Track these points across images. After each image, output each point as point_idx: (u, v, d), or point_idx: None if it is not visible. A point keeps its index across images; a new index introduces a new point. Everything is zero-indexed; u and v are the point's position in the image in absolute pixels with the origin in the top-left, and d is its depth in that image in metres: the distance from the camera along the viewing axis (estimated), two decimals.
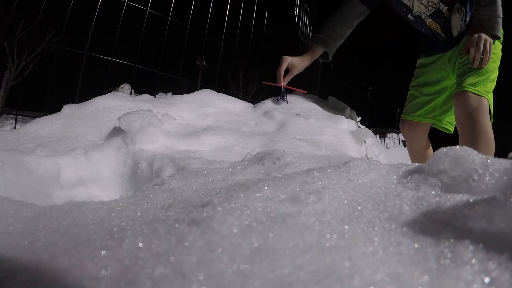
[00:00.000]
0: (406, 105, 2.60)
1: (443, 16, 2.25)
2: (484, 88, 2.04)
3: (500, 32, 2.07)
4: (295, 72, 2.49)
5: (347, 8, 2.48)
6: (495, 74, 2.15)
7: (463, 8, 2.18)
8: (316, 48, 2.53)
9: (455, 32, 2.25)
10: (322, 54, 2.58)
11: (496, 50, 2.14)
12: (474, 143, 1.92)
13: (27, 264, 0.49)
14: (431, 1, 2.23)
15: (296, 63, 2.47)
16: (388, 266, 0.44)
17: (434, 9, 2.25)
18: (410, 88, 2.61)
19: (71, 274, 0.45)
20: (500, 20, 2.06)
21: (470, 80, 2.05)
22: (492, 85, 2.13)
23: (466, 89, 2.03)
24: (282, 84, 2.44)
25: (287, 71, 2.44)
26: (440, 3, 2.22)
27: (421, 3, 2.26)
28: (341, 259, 0.45)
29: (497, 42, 2.13)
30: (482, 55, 2.00)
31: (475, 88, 2.02)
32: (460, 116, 2.06)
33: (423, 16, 2.31)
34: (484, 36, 1.99)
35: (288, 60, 2.43)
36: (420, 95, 2.51)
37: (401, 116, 2.63)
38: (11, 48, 14.53)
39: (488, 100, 2.04)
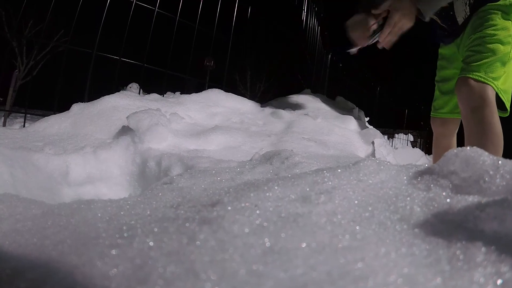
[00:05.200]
0: (433, 102, 2.42)
1: (447, 12, 2.00)
2: (488, 73, 1.81)
3: (428, 12, 1.81)
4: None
5: None
6: (507, 57, 1.87)
7: None
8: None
9: (460, 20, 2.01)
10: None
11: (510, 26, 1.87)
12: (481, 144, 1.74)
13: (36, 261, 0.49)
14: None
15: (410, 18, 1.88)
16: (401, 267, 0.43)
17: None
18: (435, 83, 2.41)
19: (81, 272, 0.45)
20: None
21: (472, 64, 1.82)
22: (502, 70, 1.85)
23: (467, 75, 1.82)
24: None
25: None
26: None
27: None
28: (354, 260, 0.44)
29: (509, 20, 1.86)
30: None
31: (477, 74, 1.80)
32: (464, 112, 1.88)
33: None
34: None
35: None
36: (441, 92, 2.34)
37: (431, 113, 2.45)
38: (20, 47, 14.63)
39: (493, 87, 1.81)
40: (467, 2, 1.94)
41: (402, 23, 1.84)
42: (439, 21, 2.11)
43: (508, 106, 1.95)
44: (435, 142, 2.49)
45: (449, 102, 2.32)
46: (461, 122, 2.35)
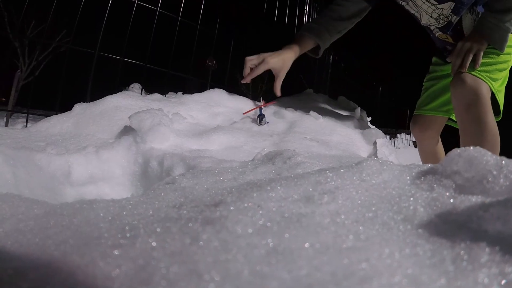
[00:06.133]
0: (419, 100, 2.39)
1: (455, 27, 2.02)
2: (487, 73, 1.81)
3: (504, 46, 1.83)
4: (283, 75, 2.04)
5: (348, 3, 2.16)
6: (508, 65, 1.94)
7: (474, 7, 1.93)
8: (307, 39, 2.13)
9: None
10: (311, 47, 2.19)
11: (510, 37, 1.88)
12: (478, 144, 1.67)
13: (38, 261, 0.49)
14: (442, 14, 1.99)
15: (280, 66, 2.00)
16: (405, 268, 0.43)
17: (446, 22, 2.02)
18: (423, 84, 2.41)
19: (83, 272, 0.44)
20: (507, 33, 1.80)
21: (471, 64, 1.81)
22: (500, 75, 1.90)
23: (463, 71, 1.81)
24: (262, 104, 2.21)
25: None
26: (452, 15, 1.97)
27: (431, 17, 2.03)
28: (359, 260, 0.44)
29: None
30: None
31: (476, 71, 1.80)
32: (458, 110, 1.87)
33: (432, 28, 2.10)
34: (476, 47, 1.79)
35: (270, 64, 1.96)
36: (433, 86, 2.32)
37: (414, 112, 2.42)
38: (22, 48, 14.64)
39: (490, 86, 1.82)
40: (476, 19, 1.95)
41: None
42: (450, 40, 2.11)
43: (501, 108, 1.97)
44: (419, 148, 2.45)
45: (434, 99, 2.30)
46: (446, 126, 2.35)
